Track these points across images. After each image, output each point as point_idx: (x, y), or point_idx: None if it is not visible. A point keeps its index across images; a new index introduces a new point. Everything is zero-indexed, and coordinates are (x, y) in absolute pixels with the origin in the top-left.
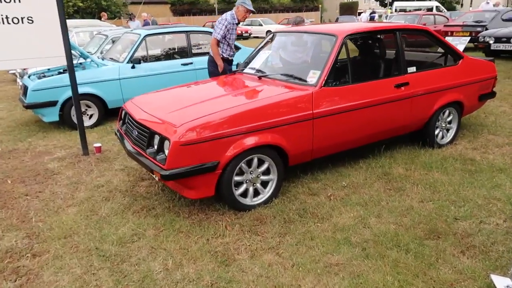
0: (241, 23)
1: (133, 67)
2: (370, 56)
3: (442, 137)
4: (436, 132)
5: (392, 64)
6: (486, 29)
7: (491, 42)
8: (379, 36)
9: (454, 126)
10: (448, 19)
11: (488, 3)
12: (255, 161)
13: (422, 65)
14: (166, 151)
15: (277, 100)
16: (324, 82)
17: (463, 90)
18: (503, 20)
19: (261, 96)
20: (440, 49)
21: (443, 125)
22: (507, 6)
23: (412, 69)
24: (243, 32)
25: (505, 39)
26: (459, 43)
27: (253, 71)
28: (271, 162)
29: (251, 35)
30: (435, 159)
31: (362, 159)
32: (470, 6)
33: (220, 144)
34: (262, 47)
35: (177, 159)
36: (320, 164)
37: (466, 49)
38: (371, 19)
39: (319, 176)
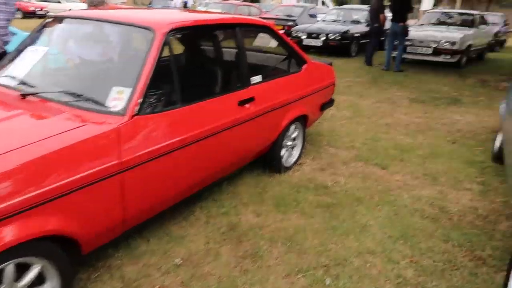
0: None
1: None
2: (204, 63)
3: (288, 157)
4: (282, 152)
5: (232, 73)
6: (296, 24)
7: (303, 37)
8: (215, 33)
9: (299, 143)
10: (261, 11)
11: None
12: (9, 270)
13: (265, 73)
14: None
15: (53, 146)
16: (138, 107)
17: (308, 101)
18: (310, 15)
19: (18, 138)
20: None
21: (289, 143)
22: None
23: (256, 79)
24: (36, 9)
25: (315, 34)
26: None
27: (12, 83)
28: (46, 264)
29: (48, 14)
30: (287, 192)
31: (199, 202)
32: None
33: None
34: (34, 40)
35: None
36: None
37: None
38: (185, 6)
39: (139, 247)
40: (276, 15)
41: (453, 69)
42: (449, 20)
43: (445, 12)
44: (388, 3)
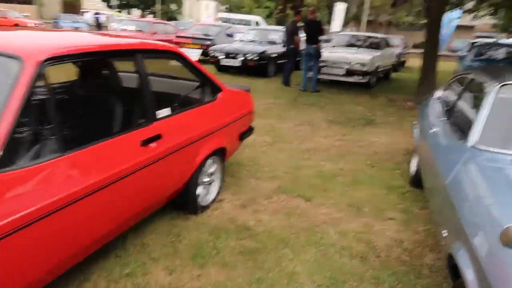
0: None
1: None
2: (96, 97)
3: (206, 195)
4: (198, 191)
5: (134, 107)
6: (213, 43)
7: (221, 57)
8: (109, 61)
9: (217, 178)
10: (177, 29)
11: (208, 17)
12: None
13: (174, 104)
14: None
15: None
16: None
17: (226, 132)
18: (227, 35)
19: None
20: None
21: (206, 179)
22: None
23: (163, 112)
24: None
25: (233, 55)
26: (192, 54)
27: None
28: None
29: None
30: (205, 238)
31: (97, 263)
32: (191, 18)
33: None
34: None
35: None
36: None
37: (199, 62)
38: (97, 22)
39: None
40: (193, 34)
41: (364, 89)
42: (358, 42)
43: (354, 35)
44: (301, 24)
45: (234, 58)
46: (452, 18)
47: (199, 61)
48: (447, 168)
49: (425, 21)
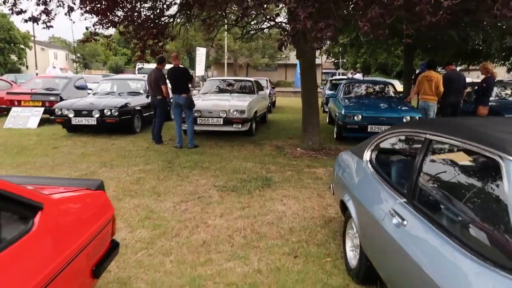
0: None
1: None
2: None
3: None
4: None
5: None
6: (61, 98)
7: (71, 115)
8: None
9: None
10: (11, 84)
11: (54, 67)
12: None
13: None
14: None
15: None
16: None
17: (62, 278)
18: (77, 88)
19: None
20: None
21: None
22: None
23: None
24: None
25: (86, 111)
26: (32, 115)
27: None
28: None
29: None
30: None
31: None
32: (36, 69)
33: None
34: None
35: None
36: None
37: (44, 122)
38: None
39: None
40: (32, 89)
41: (246, 137)
42: (229, 87)
43: (223, 80)
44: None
45: (88, 115)
46: None
47: (43, 121)
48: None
49: (279, 62)
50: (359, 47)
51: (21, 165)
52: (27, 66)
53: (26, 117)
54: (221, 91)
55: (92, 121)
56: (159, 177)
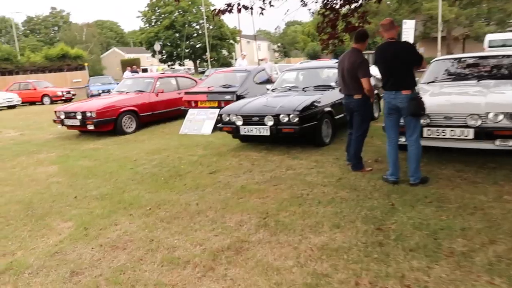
0: None
1: None
2: None
3: None
4: None
5: None
6: (237, 97)
7: (239, 123)
8: None
9: None
10: (196, 81)
11: (245, 55)
12: None
13: None
14: None
15: None
16: None
17: None
18: (259, 83)
19: None
20: None
21: None
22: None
23: None
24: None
25: (257, 118)
26: (207, 118)
27: None
28: None
29: None
30: None
31: None
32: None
33: None
34: None
35: None
36: None
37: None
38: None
39: None
40: (209, 88)
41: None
42: (475, 71)
43: (462, 59)
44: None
45: (259, 123)
46: None
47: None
48: None
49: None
50: None
51: (155, 208)
52: (236, 59)
53: (201, 121)
54: (459, 78)
55: (264, 131)
56: (356, 273)
